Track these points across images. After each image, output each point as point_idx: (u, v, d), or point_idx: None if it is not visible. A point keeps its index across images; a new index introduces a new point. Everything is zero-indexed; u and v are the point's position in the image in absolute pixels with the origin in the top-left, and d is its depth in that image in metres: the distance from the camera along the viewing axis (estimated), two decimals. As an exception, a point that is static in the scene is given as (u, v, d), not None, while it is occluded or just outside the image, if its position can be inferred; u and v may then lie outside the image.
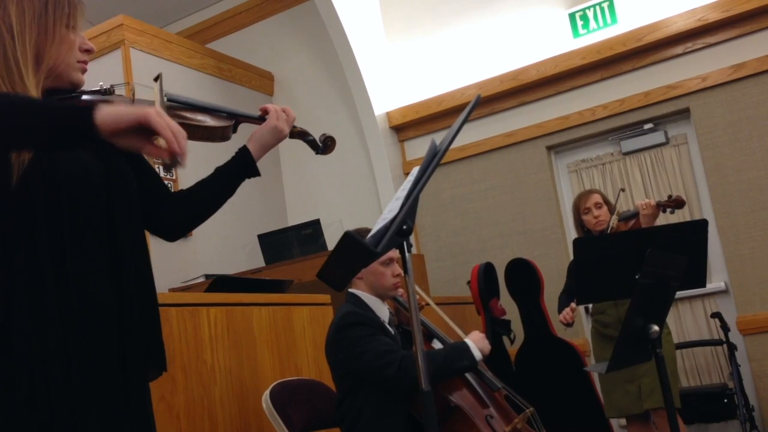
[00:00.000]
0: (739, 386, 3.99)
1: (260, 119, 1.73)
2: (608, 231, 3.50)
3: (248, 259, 5.22)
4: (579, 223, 3.67)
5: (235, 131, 1.70)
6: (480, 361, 2.35)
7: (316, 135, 1.86)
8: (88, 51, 1.46)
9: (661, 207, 3.44)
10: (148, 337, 1.42)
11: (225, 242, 5.17)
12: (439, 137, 1.56)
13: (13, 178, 1.27)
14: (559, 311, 3.57)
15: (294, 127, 1.81)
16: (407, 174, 5.19)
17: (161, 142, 1.22)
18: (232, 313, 2.58)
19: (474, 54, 5.28)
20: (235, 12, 6.23)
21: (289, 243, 4.77)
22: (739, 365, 4.07)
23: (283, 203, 5.98)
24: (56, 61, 1.39)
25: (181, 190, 1.66)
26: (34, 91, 1.33)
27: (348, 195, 5.72)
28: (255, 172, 1.68)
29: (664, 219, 4.01)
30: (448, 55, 5.40)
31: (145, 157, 1.59)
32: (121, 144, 1.21)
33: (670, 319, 4.51)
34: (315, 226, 4.71)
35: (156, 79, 1.57)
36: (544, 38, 5.01)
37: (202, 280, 4.51)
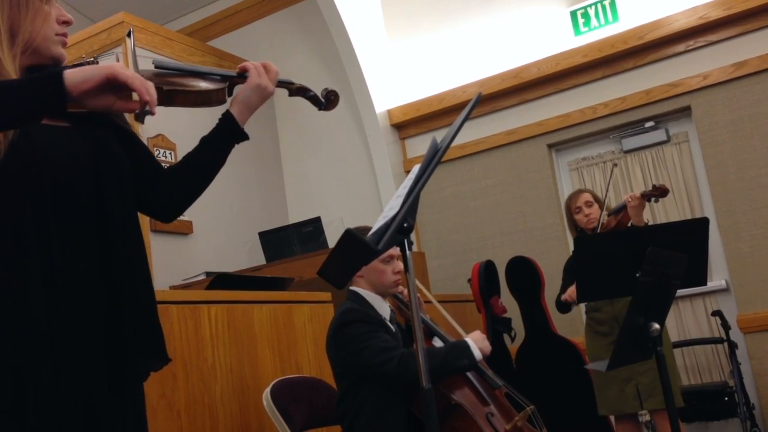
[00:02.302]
0: (739, 384, 3.99)
1: (239, 77, 1.60)
2: (599, 227, 3.54)
3: (249, 256, 5.22)
4: (572, 223, 3.72)
5: (230, 94, 1.61)
6: (480, 360, 2.35)
7: (318, 92, 1.75)
8: (66, 23, 1.40)
9: (645, 197, 3.47)
10: (144, 330, 1.36)
11: (226, 240, 5.17)
12: (440, 135, 1.56)
13: None
14: (560, 297, 3.59)
15: (292, 83, 1.71)
16: (408, 172, 5.17)
17: (134, 96, 1.23)
18: (233, 310, 2.59)
19: (475, 52, 5.27)
20: (236, 9, 6.23)
21: (289, 240, 4.77)
22: (740, 363, 4.07)
23: (283, 201, 5.97)
24: (32, 35, 1.32)
25: (170, 167, 1.56)
26: (9, 65, 1.27)
27: (349, 193, 5.71)
28: (243, 136, 1.57)
29: (649, 209, 3.98)
30: (449, 52, 5.39)
31: (138, 135, 1.53)
32: (93, 104, 1.21)
33: (671, 317, 4.52)
34: (316, 223, 4.71)
35: (128, 35, 1.54)
36: (546, 36, 5.00)
37: (202, 277, 4.51)
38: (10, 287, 1.21)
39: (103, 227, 1.33)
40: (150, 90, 1.22)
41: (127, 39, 1.53)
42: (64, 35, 1.40)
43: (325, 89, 1.74)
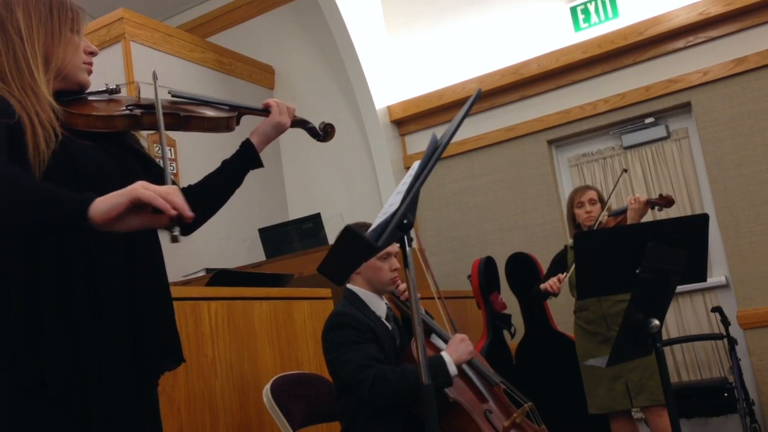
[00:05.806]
0: (739, 380, 3.99)
1: (262, 111, 1.79)
2: (596, 226, 3.55)
3: (249, 253, 5.22)
4: (570, 216, 3.74)
5: (238, 123, 1.76)
6: (456, 375, 2.24)
7: (316, 123, 1.93)
8: (92, 53, 1.55)
9: (650, 204, 3.49)
10: (163, 331, 1.48)
11: (226, 236, 5.17)
12: (439, 131, 1.56)
13: (36, 174, 1.32)
14: (539, 286, 3.60)
15: (306, 122, 1.90)
16: (408, 168, 5.16)
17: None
18: (233, 307, 2.59)
19: (475, 48, 5.27)
20: (235, 5, 6.22)
21: (289, 237, 4.77)
22: (740, 359, 4.07)
23: (283, 197, 5.97)
24: (63, 62, 1.47)
25: (191, 186, 1.73)
26: (45, 88, 1.40)
27: (349, 189, 5.71)
28: (259, 164, 1.76)
29: (651, 216, 3.92)
30: (449, 49, 5.39)
31: (154, 160, 1.65)
32: (123, 228, 1.22)
33: (670, 313, 4.52)
34: (316, 220, 4.71)
35: (154, 77, 1.62)
36: (546, 32, 5.00)
37: (202, 274, 4.50)
38: (58, 285, 1.32)
39: (131, 242, 1.45)
40: (174, 200, 1.21)
41: (154, 81, 1.60)
42: (90, 64, 1.55)
43: (323, 122, 1.92)
